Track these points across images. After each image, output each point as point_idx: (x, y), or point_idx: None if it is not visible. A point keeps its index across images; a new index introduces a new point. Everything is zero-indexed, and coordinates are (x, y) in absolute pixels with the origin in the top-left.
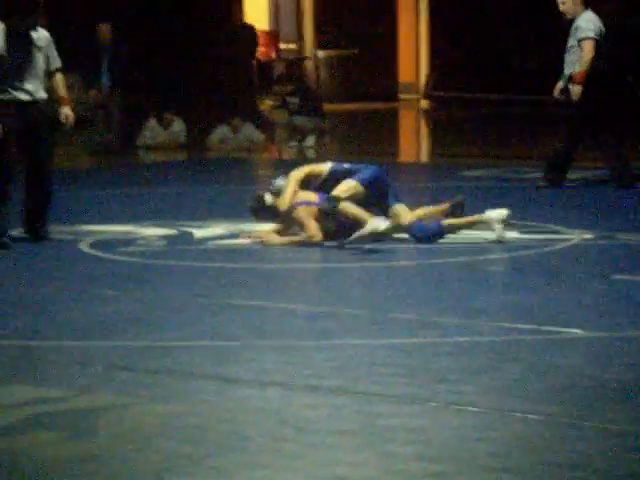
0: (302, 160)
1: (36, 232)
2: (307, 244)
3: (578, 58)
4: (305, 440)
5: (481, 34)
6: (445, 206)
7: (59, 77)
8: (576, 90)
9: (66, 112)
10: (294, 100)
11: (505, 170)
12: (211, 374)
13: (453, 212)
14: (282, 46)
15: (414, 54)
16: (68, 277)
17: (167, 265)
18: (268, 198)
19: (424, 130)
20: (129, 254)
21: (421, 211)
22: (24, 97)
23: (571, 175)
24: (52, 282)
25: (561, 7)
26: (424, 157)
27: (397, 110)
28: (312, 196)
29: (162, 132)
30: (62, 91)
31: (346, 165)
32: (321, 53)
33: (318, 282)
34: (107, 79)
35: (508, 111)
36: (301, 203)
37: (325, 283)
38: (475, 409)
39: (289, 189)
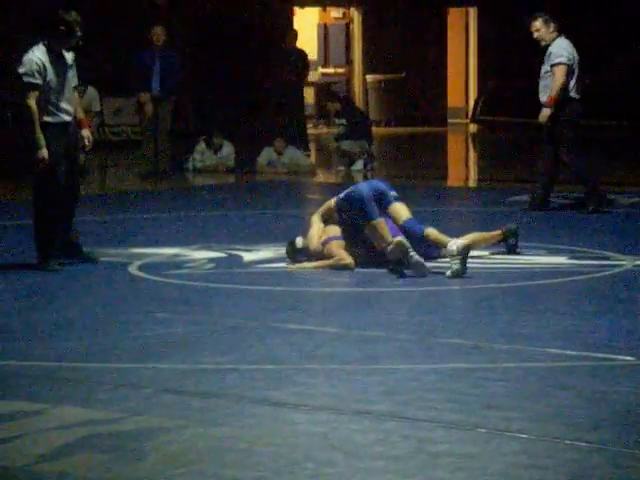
0: (350, 184)
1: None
2: (340, 268)
3: (551, 83)
4: (354, 465)
5: (528, 60)
6: (497, 233)
7: (76, 96)
8: (544, 113)
9: (87, 135)
10: (342, 122)
11: (553, 194)
12: (260, 398)
13: (506, 240)
14: (331, 70)
15: (463, 79)
16: (118, 299)
17: (216, 288)
18: (299, 241)
19: (472, 154)
20: (178, 277)
21: (472, 236)
22: (66, 118)
23: (622, 200)
24: (102, 304)
25: (535, 34)
26: (472, 182)
27: (446, 134)
28: (337, 230)
29: (211, 155)
30: (80, 112)
31: (343, 193)
32: (369, 77)
33: (367, 306)
34: (157, 83)
35: None
36: (329, 239)
37: (374, 307)
38: (524, 436)
39: (313, 230)
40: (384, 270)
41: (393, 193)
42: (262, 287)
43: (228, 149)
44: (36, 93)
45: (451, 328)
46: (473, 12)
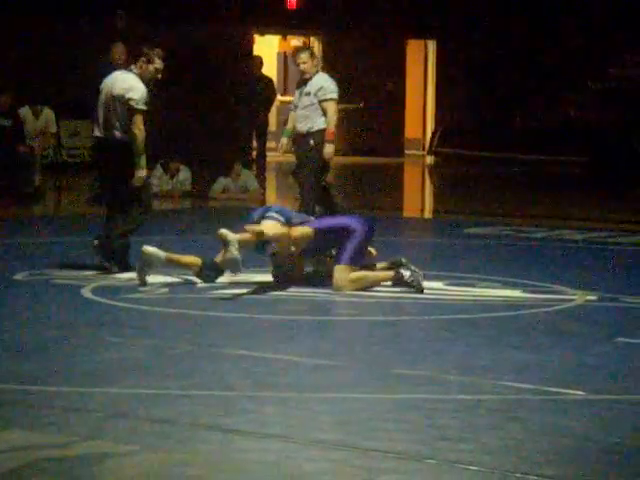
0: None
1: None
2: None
3: (315, 116)
4: None
5: (486, 94)
6: (389, 275)
7: None
8: (329, 149)
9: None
10: None
11: (508, 228)
12: (212, 424)
13: (398, 275)
14: (290, 98)
15: (421, 110)
16: (70, 323)
17: (170, 313)
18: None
19: (429, 186)
20: (132, 301)
21: (361, 274)
22: None
23: (576, 235)
24: (54, 327)
25: (301, 66)
26: (428, 213)
27: (403, 165)
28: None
29: (168, 180)
30: None
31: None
32: None
33: (322, 334)
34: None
35: (511, 169)
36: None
37: (329, 336)
38: (476, 468)
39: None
40: (341, 298)
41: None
42: (216, 313)
43: (185, 174)
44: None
45: (405, 358)
46: (432, 44)
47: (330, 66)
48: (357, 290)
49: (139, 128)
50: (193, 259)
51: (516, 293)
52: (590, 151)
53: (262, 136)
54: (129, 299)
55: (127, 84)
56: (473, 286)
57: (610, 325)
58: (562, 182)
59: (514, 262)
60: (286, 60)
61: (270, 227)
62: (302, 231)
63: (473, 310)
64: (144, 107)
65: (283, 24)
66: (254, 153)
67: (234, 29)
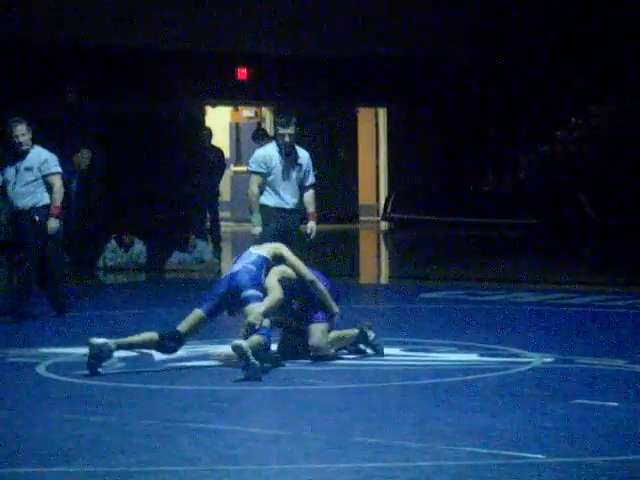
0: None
1: None
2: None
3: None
4: None
5: (438, 159)
6: (354, 332)
7: None
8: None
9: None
10: None
11: (463, 292)
12: None
13: (358, 341)
14: (243, 168)
15: (374, 177)
16: (25, 401)
17: (127, 387)
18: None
19: (384, 251)
20: (88, 377)
21: (334, 334)
22: None
23: (530, 298)
24: (8, 406)
25: (20, 138)
26: (384, 278)
27: (357, 232)
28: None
29: (122, 253)
30: None
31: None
32: None
33: (280, 405)
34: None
35: (464, 233)
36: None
37: (287, 406)
38: None
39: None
40: (297, 367)
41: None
42: (173, 386)
43: (139, 247)
44: None
45: (364, 426)
46: (383, 112)
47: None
48: (330, 350)
49: None
50: (147, 335)
51: (472, 357)
52: (541, 214)
53: (214, 206)
54: (85, 375)
55: None
56: (429, 351)
57: (567, 387)
58: (515, 245)
59: (469, 326)
60: (238, 130)
61: (258, 308)
62: (281, 271)
63: (430, 375)
64: None
65: (234, 95)
66: (208, 223)
67: (186, 101)
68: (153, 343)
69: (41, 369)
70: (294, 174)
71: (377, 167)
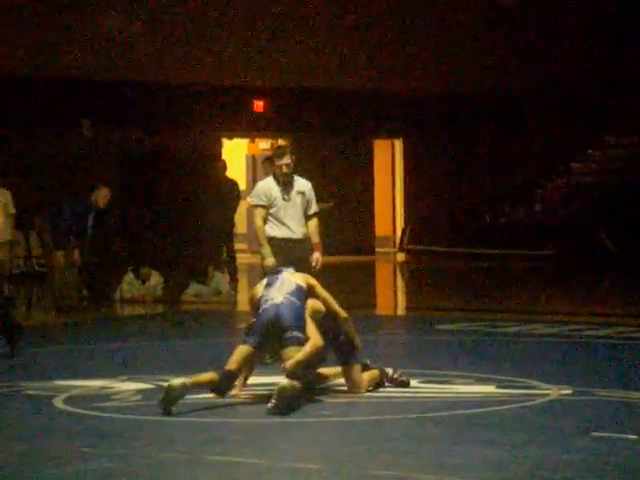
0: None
1: None
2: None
3: None
4: None
5: (454, 190)
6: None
7: None
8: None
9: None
10: None
11: (480, 324)
12: None
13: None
14: None
15: (390, 208)
16: (42, 434)
17: (143, 420)
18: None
19: (400, 283)
20: (104, 409)
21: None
22: None
23: (548, 329)
24: (26, 440)
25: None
26: (400, 310)
27: (374, 263)
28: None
29: (139, 285)
30: None
31: None
32: None
33: (295, 436)
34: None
35: (481, 264)
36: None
37: (303, 438)
38: None
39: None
40: (312, 400)
41: None
42: (190, 418)
43: (156, 279)
44: None
45: (380, 459)
46: (399, 143)
47: (298, 167)
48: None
49: None
50: (208, 376)
51: (490, 389)
52: (557, 245)
53: (228, 237)
54: (102, 407)
55: None
56: (447, 383)
57: (586, 419)
58: (532, 276)
59: (487, 357)
60: (254, 163)
61: (298, 355)
62: (312, 307)
63: (447, 407)
64: None
65: (250, 127)
66: (224, 255)
67: (202, 134)
68: (213, 383)
69: (58, 402)
70: (298, 203)
71: (393, 198)
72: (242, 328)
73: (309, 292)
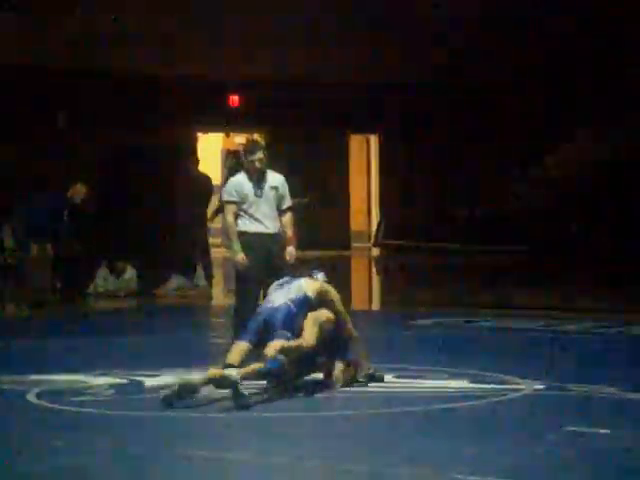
0: None
1: None
2: None
3: None
4: None
5: (429, 185)
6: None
7: None
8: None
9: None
10: None
11: (453, 319)
12: None
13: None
14: None
15: (366, 203)
16: (15, 428)
17: (117, 415)
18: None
19: (375, 278)
20: (78, 404)
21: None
22: None
23: (522, 324)
24: None
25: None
26: (375, 305)
27: (349, 258)
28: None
29: (114, 280)
30: None
31: None
32: None
33: (271, 432)
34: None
35: (456, 259)
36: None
37: (279, 433)
38: None
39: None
40: (285, 396)
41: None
42: (163, 413)
43: (131, 273)
44: None
45: (356, 454)
46: (374, 137)
47: (273, 161)
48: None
49: None
50: (212, 371)
51: (464, 384)
52: (531, 239)
53: (202, 232)
54: (75, 402)
55: None
56: (422, 378)
57: (559, 414)
58: (506, 271)
59: (461, 352)
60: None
61: (279, 343)
62: (320, 319)
63: (422, 402)
64: None
65: (225, 122)
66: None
67: (177, 128)
68: (216, 379)
69: (31, 396)
70: (271, 198)
71: (368, 193)
72: (218, 322)
73: (323, 304)
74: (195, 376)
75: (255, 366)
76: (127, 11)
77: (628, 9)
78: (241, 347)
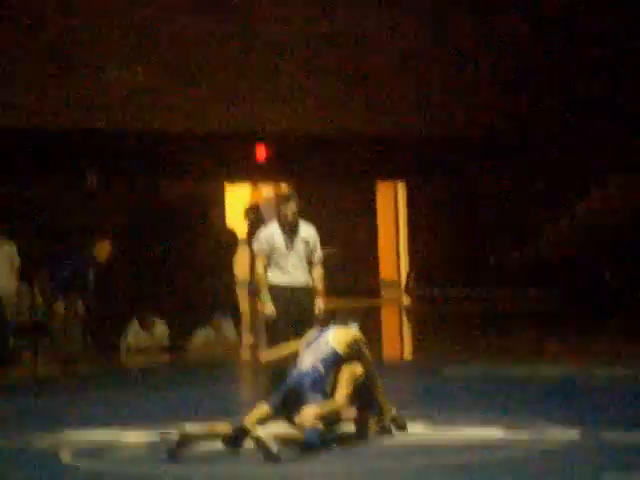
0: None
1: None
2: None
3: None
4: None
5: (458, 232)
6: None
7: None
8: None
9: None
10: None
11: (487, 368)
12: None
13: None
14: None
15: (394, 251)
16: None
17: (151, 473)
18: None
19: (406, 327)
20: (112, 462)
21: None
22: None
23: (555, 371)
24: None
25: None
26: (407, 355)
27: (380, 307)
28: None
29: (145, 335)
30: None
31: None
32: None
33: None
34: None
35: (487, 307)
36: None
37: None
38: None
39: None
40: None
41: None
42: (197, 469)
43: (161, 327)
44: None
45: None
46: (401, 185)
47: (301, 212)
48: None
49: None
50: (220, 427)
51: (498, 433)
52: (563, 285)
53: (229, 284)
54: (109, 460)
55: None
56: (454, 428)
57: (593, 462)
58: (537, 317)
59: (495, 401)
60: (258, 210)
61: (314, 409)
62: (354, 374)
63: (454, 453)
64: None
65: (253, 176)
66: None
67: (206, 183)
68: (224, 436)
69: (65, 454)
70: (301, 251)
71: (397, 241)
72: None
73: (354, 355)
74: (219, 425)
75: (293, 433)
76: (156, 66)
77: None
78: (263, 410)
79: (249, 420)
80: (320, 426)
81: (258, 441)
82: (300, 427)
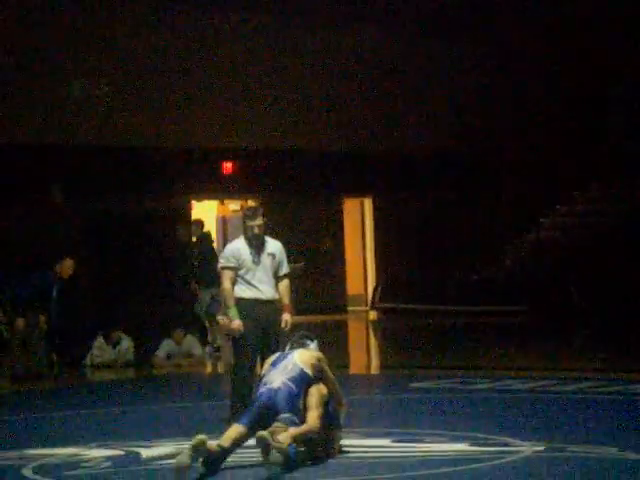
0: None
1: None
2: None
3: None
4: None
5: (424, 248)
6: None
7: None
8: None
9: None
10: None
11: (452, 381)
12: None
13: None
14: None
15: (361, 266)
16: None
17: None
18: None
19: (373, 341)
20: (74, 478)
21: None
22: None
23: (520, 385)
24: None
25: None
26: (373, 369)
27: (346, 322)
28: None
29: (110, 350)
30: None
31: None
32: None
33: None
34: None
35: (453, 321)
36: None
37: None
38: None
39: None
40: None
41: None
42: None
43: (126, 343)
44: None
45: None
46: (368, 201)
47: (268, 227)
48: None
49: None
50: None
51: (463, 447)
52: (528, 300)
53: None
54: (72, 476)
55: None
56: (420, 442)
57: (559, 477)
58: (503, 332)
59: (460, 415)
60: (225, 224)
61: (291, 431)
62: (322, 394)
63: (420, 467)
64: None
65: (219, 189)
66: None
67: (172, 197)
68: (204, 458)
69: (27, 471)
70: (268, 265)
71: (364, 257)
72: (212, 391)
73: (320, 376)
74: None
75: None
76: (123, 82)
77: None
78: (237, 430)
79: (225, 441)
80: (295, 447)
81: (280, 450)
82: (279, 444)
